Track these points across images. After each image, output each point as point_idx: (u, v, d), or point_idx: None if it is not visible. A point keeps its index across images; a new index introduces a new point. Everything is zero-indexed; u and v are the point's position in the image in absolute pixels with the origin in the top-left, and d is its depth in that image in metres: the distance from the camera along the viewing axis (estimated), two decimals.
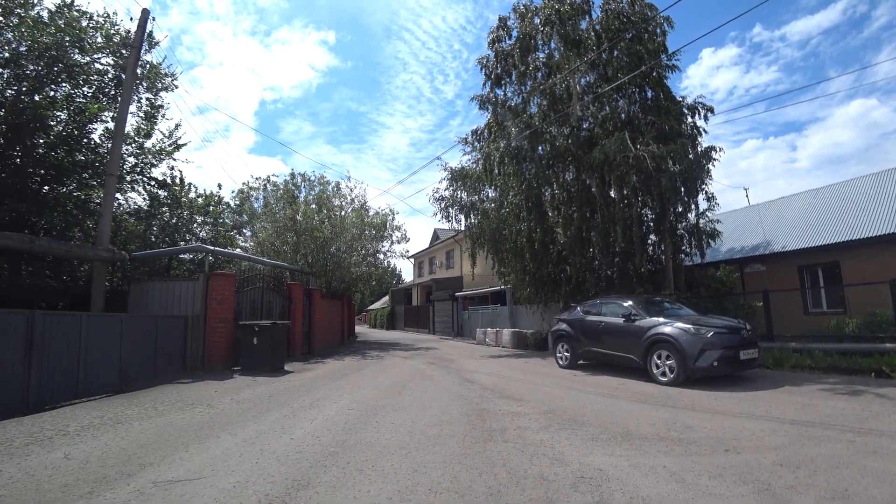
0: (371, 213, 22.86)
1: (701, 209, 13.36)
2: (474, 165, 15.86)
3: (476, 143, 15.71)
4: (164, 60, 15.22)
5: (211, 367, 10.84)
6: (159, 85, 14.38)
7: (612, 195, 12.60)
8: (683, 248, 13.67)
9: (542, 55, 14.03)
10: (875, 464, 3.77)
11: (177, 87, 14.74)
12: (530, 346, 17.02)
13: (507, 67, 14.23)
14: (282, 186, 20.75)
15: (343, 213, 21.24)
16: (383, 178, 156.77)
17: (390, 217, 23.18)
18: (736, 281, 14.96)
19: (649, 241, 13.89)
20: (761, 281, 15.27)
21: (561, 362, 11.16)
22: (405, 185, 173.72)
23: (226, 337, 11.27)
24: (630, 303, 9.57)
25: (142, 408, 6.84)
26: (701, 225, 13.49)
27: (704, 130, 12.90)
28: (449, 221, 16.71)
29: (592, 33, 12.64)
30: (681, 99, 12.99)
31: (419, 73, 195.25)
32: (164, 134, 15.32)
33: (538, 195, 13.77)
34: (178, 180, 16.45)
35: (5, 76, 11.08)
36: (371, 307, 59.17)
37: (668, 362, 8.14)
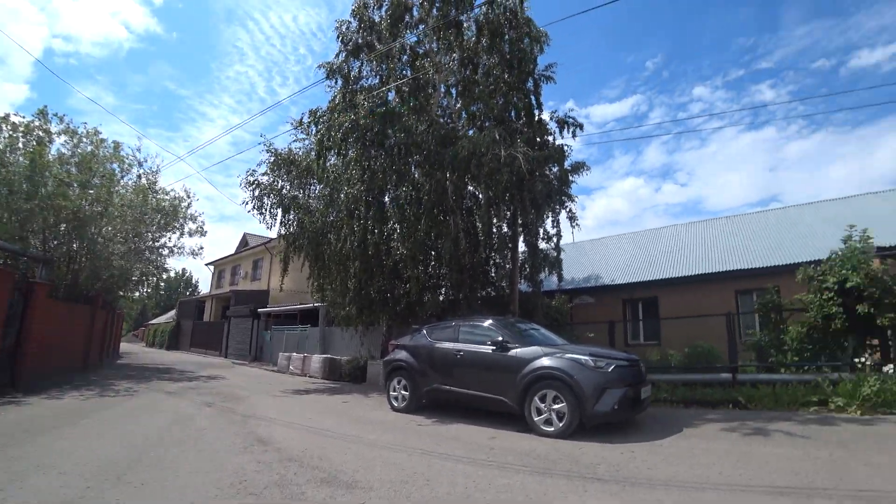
0: (159, 192, 17.32)
1: (561, 229, 12.48)
2: (304, 154, 12.96)
3: (313, 127, 12.74)
4: None
5: None
6: None
7: (468, 202, 10.89)
8: (538, 270, 12.51)
9: (410, 39, 12.17)
10: None
11: None
12: (344, 377, 14.27)
13: (369, 40, 11.86)
14: (22, 127, 13.40)
15: (118, 183, 15.46)
16: (194, 174, 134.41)
17: (186, 202, 17.93)
18: (567, 312, 14.62)
19: (499, 260, 12.52)
20: (588, 313, 15.37)
21: (396, 403, 8.48)
22: (216, 189, 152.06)
23: None
24: (500, 326, 7.56)
25: None
26: (560, 246, 12.57)
27: (568, 147, 12.10)
28: (262, 214, 13.19)
29: (473, 23, 11.12)
30: (549, 114, 12.26)
31: (256, 68, 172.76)
32: None
33: (382, 189, 11.34)
34: None
35: None
36: (154, 321, 47.76)
37: (555, 406, 6.19)
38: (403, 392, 8.42)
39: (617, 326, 13.58)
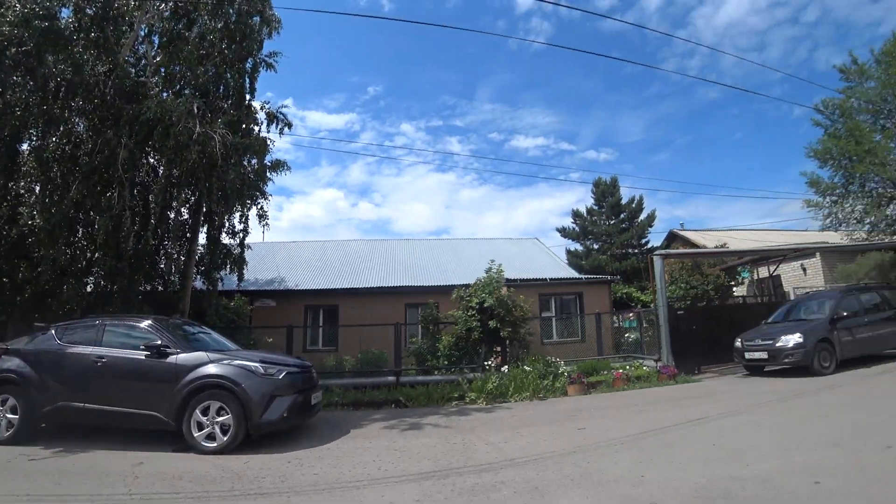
0: None
1: (249, 225, 11.46)
2: None
3: None
4: None
5: None
6: None
7: (144, 177, 8.98)
8: (218, 266, 11.19)
9: None
10: None
11: None
12: None
13: None
14: None
15: None
16: None
17: None
18: (246, 314, 13.79)
19: (173, 251, 10.71)
20: (270, 316, 14.81)
21: None
22: None
23: None
24: (161, 328, 6.32)
25: None
26: (245, 243, 11.49)
27: (272, 142, 11.23)
28: None
29: None
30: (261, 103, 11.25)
31: None
32: None
33: (18, 132, 8.24)
34: None
35: None
36: None
37: (219, 418, 5.49)
38: (11, 416, 6.07)
39: (297, 331, 13.53)
